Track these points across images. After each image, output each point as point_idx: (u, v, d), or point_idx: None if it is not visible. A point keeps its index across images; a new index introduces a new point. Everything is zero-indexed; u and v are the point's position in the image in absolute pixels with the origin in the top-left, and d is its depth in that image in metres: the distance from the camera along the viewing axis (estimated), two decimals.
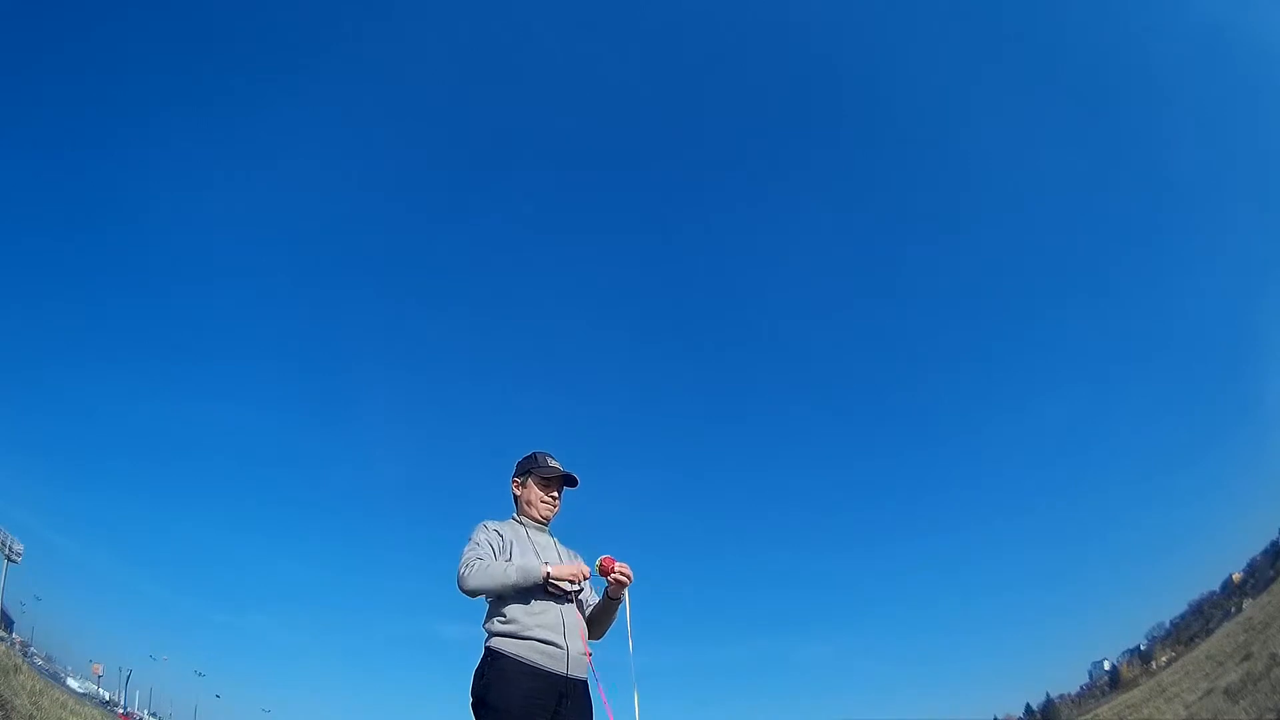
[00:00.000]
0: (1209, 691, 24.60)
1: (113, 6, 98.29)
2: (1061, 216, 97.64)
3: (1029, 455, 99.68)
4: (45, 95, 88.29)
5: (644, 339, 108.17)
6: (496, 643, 2.58)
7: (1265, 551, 49.32)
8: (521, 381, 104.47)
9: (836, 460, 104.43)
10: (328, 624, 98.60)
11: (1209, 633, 42.45)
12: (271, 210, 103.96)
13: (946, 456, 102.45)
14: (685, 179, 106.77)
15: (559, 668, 2.56)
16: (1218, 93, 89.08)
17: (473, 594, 2.60)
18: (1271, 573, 44.37)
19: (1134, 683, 45.67)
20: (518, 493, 2.90)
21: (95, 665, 49.89)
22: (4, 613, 41.96)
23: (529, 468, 2.87)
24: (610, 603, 2.78)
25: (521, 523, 2.84)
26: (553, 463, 2.86)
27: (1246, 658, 25.71)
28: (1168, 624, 54.38)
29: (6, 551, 39.96)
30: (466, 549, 2.66)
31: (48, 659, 42.02)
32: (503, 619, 2.60)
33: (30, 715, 12.28)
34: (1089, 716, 44.60)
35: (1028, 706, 61.30)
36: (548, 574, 2.59)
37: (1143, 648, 55.50)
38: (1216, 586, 52.05)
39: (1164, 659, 47.65)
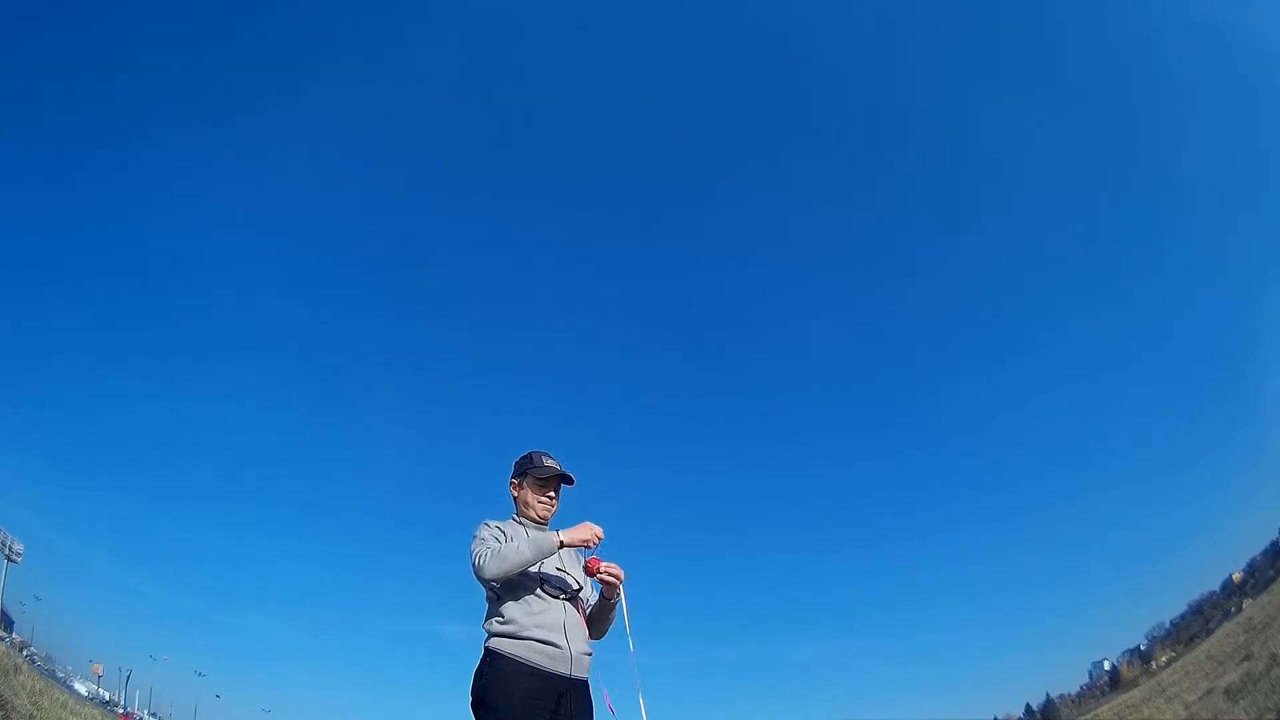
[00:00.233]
0: (1209, 691, 24.58)
1: (113, 6, 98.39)
2: (1062, 216, 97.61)
3: (1029, 455, 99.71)
4: (45, 95, 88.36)
5: (644, 339, 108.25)
6: (496, 643, 2.59)
7: (1265, 551, 49.28)
8: (521, 381, 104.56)
9: (836, 460, 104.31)
10: (328, 624, 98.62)
11: (1209, 633, 42.40)
12: (271, 210, 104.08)
13: (946, 456, 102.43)
14: (685, 179, 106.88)
15: (558, 668, 2.57)
16: (1218, 93, 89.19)
17: (494, 579, 2.60)
18: (1271, 573, 44.34)
19: (1134, 683, 45.64)
20: (515, 493, 2.90)
21: (95, 665, 49.83)
22: (4, 613, 41.96)
23: (525, 468, 2.87)
24: (607, 603, 2.79)
25: (521, 523, 2.84)
26: (549, 462, 2.85)
27: (1246, 658, 25.69)
28: (1168, 624, 54.35)
29: (6, 551, 39.96)
30: (474, 544, 2.67)
31: (47, 659, 41.97)
32: (501, 619, 2.61)
33: (30, 715, 12.28)
34: (1089, 716, 44.58)
35: (1028, 706, 61.31)
36: (560, 541, 2.61)
37: (1143, 648, 55.47)
38: (1216, 586, 52.04)
39: (1164, 659, 47.62)
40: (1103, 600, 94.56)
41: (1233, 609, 44.17)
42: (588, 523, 2.70)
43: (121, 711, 43.48)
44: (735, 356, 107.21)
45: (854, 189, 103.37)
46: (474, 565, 2.60)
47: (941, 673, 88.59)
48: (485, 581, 2.61)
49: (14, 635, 40.06)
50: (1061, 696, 58.91)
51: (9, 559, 40.20)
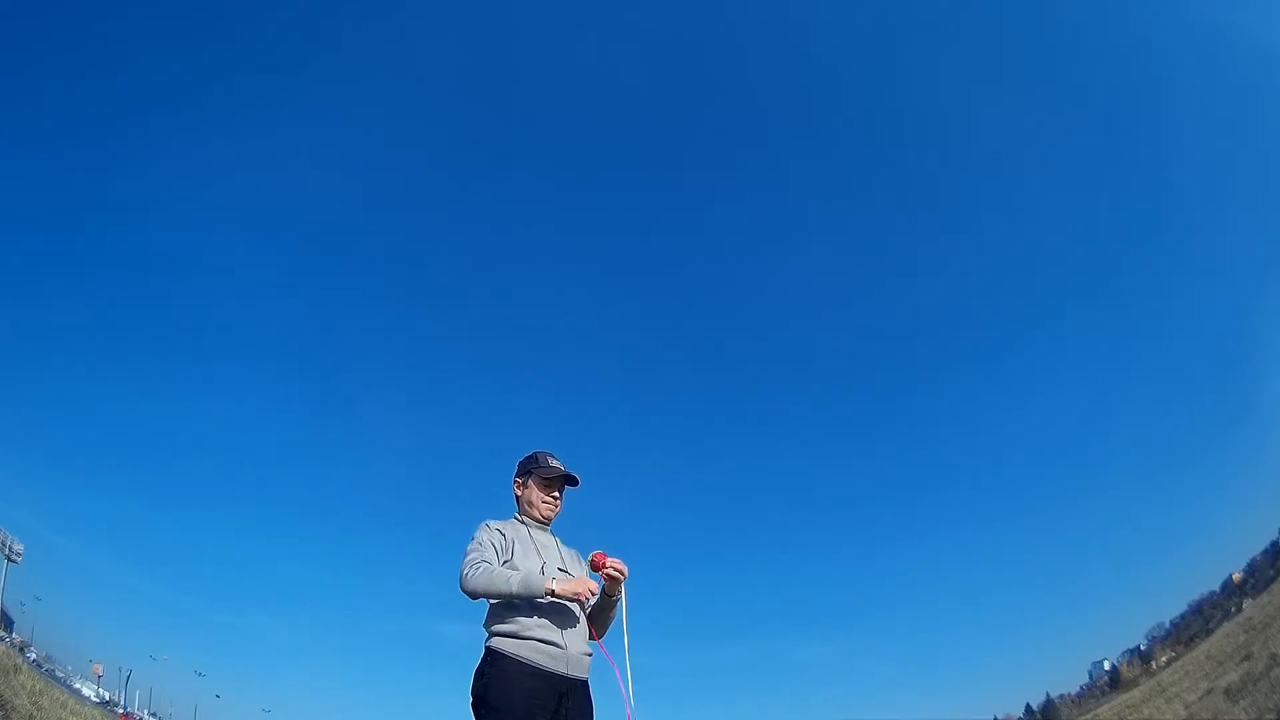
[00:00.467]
0: (1209, 691, 24.58)
1: (113, 6, 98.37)
2: (1062, 216, 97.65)
3: (1029, 455, 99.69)
4: (45, 95, 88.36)
5: (644, 338, 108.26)
6: (497, 642, 2.58)
7: (1265, 551, 49.27)
8: (521, 381, 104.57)
9: (836, 460, 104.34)
10: (328, 624, 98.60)
11: (1209, 633, 42.40)
12: (271, 210, 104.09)
13: (946, 456, 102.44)
14: (686, 178, 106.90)
15: (559, 667, 2.56)
16: (1218, 93, 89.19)
17: (472, 596, 2.61)
18: (1271, 573, 44.33)
19: (1134, 683, 45.64)
20: (519, 493, 2.89)
21: (95, 665, 49.79)
22: (4, 613, 41.96)
23: (530, 468, 2.86)
24: (609, 600, 2.78)
25: (524, 522, 2.84)
26: (554, 462, 2.85)
27: (1246, 658, 25.69)
28: (1168, 624, 54.34)
29: (6, 551, 39.95)
30: (469, 549, 2.66)
31: (47, 659, 41.98)
32: (503, 619, 2.61)
33: (30, 715, 12.28)
34: (1089, 716, 44.58)
35: (1028, 706, 61.31)
36: (551, 591, 2.55)
37: (1143, 648, 55.46)
38: (1216, 586, 52.03)
39: (1164, 659, 47.61)
40: (1103, 600, 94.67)
41: (1233, 609, 44.17)
42: (584, 578, 2.66)
43: (121, 711, 43.45)
44: (735, 356, 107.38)
45: (854, 189, 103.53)
46: (460, 573, 2.60)
47: (941, 673, 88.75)
48: (464, 593, 2.60)
49: (14, 635, 40.07)
50: (1061, 696, 58.96)
51: (9, 559, 40.19)
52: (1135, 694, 39.24)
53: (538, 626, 2.58)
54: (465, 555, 2.65)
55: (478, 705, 2.53)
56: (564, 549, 2.86)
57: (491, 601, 2.68)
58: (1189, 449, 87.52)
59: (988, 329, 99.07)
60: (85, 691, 39.55)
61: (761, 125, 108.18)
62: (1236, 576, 50.33)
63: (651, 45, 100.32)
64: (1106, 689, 53.34)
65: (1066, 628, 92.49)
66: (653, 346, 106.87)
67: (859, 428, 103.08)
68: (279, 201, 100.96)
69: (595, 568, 2.74)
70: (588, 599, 2.61)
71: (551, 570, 2.69)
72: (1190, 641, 44.71)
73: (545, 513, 2.85)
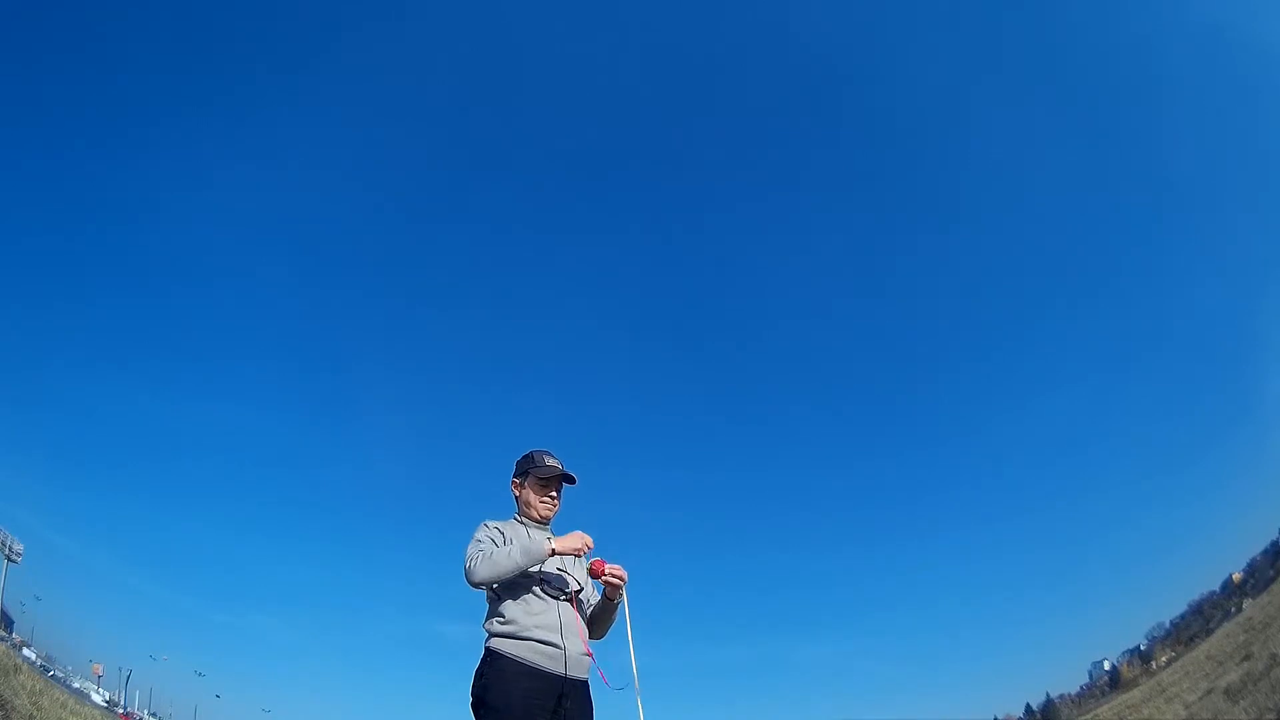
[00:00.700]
0: (1209, 691, 24.58)
1: (113, 6, 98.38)
2: (1062, 215, 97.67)
3: (1029, 455, 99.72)
4: (45, 95, 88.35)
5: (645, 338, 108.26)
6: (496, 643, 2.59)
7: (1265, 551, 49.24)
8: (521, 381, 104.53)
9: (836, 460, 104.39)
10: (328, 624, 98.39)
11: (1209, 633, 42.40)
12: (272, 210, 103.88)
13: (946, 456, 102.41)
14: (686, 178, 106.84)
15: (558, 668, 2.57)
16: (1218, 93, 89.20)
17: (482, 584, 2.61)
18: (1271, 573, 44.32)
19: (1134, 683, 45.64)
20: (517, 493, 2.89)
21: (95, 665, 49.81)
22: (4, 613, 41.97)
23: (527, 468, 2.86)
24: (609, 604, 2.79)
25: (523, 522, 2.84)
26: (551, 461, 2.85)
27: (1246, 658, 25.69)
28: (1168, 624, 54.33)
29: (6, 551, 39.94)
30: (470, 546, 2.67)
31: (47, 659, 41.98)
32: (502, 619, 2.61)
33: (30, 715, 12.28)
34: (1089, 716, 44.58)
35: (1028, 706, 61.29)
36: (553, 549, 2.62)
37: (1143, 648, 55.45)
38: (1216, 586, 52.03)
39: (1164, 659, 47.61)
40: (1103, 600, 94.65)
41: (1233, 609, 44.17)
42: (579, 532, 2.71)
43: (121, 711, 43.46)
44: (735, 356, 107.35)
45: (854, 188, 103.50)
46: (465, 569, 2.61)
47: (941, 673, 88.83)
48: (473, 585, 2.61)
49: (14, 635, 40.08)
50: (1061, 696, 58.94)
51: (9, 559, 40.18)
52: (1135, 694, 39.24)
53: (536, 627, 2.59)
54: (467, 550, 2.66)
55: (477, 705, 2.53)
56: None
57: (490, 601, 2.69)
58: (1189, 449, 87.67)
59: (988, 329, 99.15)
60: (95, 697, 39.49)
61: (762, 125, 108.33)
62: (1236, 576, 50.32)
63: (652, 45, 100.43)
64: (1106, 689, 53.34)
65: (1066, 628, 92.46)
66: (653, 346, 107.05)
67: (859, 427, 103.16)
68: (279, 201, 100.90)
69: (594, 575, 2.75)
70: (586, 551, 2.69)
71: (550, 570, 2.70)
72: (1190, 641, 44.71)
73: (543, 512, 2.85)
